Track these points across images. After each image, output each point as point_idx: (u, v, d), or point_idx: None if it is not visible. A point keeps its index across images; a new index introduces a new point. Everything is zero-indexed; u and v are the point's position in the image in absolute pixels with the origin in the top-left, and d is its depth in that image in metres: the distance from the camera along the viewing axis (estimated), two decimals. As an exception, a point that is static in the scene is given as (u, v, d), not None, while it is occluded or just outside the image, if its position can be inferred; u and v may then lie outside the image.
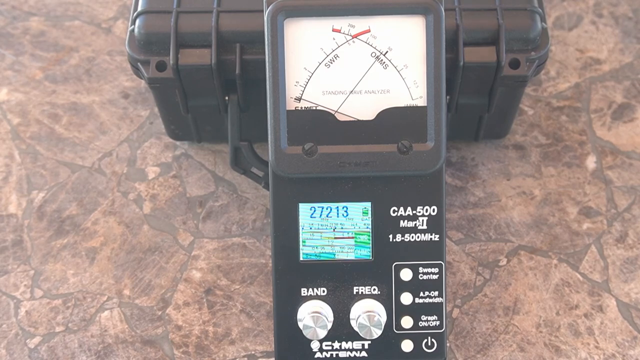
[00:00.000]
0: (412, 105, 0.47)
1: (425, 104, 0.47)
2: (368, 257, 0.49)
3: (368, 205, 0.48)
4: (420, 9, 0.46)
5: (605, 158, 0.63)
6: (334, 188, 0.48)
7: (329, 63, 0.47)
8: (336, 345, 0.50)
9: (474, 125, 0.61)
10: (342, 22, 0.47)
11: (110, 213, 0.61)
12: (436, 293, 0.49)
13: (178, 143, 0.65)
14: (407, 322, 0.49)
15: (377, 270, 0.49)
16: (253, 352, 0.55)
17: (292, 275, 0.49)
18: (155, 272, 0.58)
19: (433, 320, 0.49)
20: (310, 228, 0.48)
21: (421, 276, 0.49)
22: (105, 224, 0.60)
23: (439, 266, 0.49)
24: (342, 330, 0.49)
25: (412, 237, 0.49)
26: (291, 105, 0.47)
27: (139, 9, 0.53)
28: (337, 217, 0.48)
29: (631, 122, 0.65)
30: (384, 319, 0.49)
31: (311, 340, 0.49)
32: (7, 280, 0.58)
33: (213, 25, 0.52)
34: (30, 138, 0.65)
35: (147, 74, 0.52)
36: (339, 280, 0.49)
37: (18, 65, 0.69)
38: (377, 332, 0.48)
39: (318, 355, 0.50)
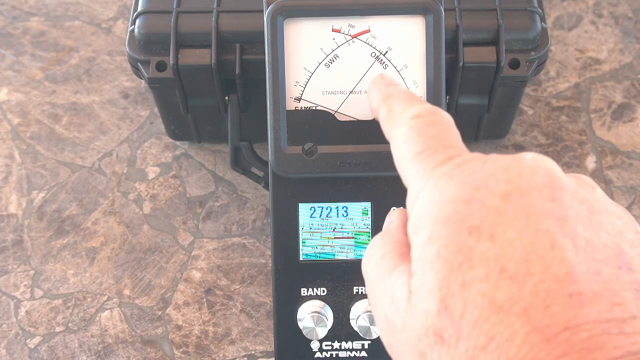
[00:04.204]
0: (412, 105, 0.47)
1: (425, 104, 0.47)
2: (368, 257, 0.49)
3: (368, 205, 0.48)
4: (420, 9, 0.46)
5: (605, 158, 0.63)
6: (333, 188, 0.48)
7: (328, 63, 0.47)
8: (336, 345, 0.50)
9: (474, 125, 0.61)
10: (341, 22, 0.47)
11: (110, 213, 0.61)
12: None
13: (178, 143, 0.65)
14: (407, 322, 0.49)
15: (377, 270, 0.49)
16: (253, 352, 0.55)
17: (292, 275, 0.49)
18: (155, 272, 0.58)
19: (433, 320, 0.49)
20: (310, 228, 0.48)
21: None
22: (105, 224, 0.60)
23: (439, 266, 0.49)
24: (342, 330, 0.49)
25: (412, 237, 0.49)
26: (291, 105, 0.47)
27: (139, 9, 0.53)
28: (337, 217, 0.48)
29: (631, 122, 0.65)
30: (383, 319, 0.49)
31: (311, 340, 0.49)
32: (7, 280, 0.58)
33: (213, 25, 0.52)
34: (30, 138, 0.65)
35: (147, 74, 0.52)
36: (339, 280, 0.49)
37: (18, 65, 0.69)
38: (377, 332, 0.48)
39: (318, 355, 0.50)
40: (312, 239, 0.49)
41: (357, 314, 0.48)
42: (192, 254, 0.59)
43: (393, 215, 0.35)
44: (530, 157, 0.29)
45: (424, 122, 0.32)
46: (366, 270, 0.33)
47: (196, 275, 0.58)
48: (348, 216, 0.48)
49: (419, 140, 0.32)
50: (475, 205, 0.28)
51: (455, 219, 0.28)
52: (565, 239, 0.27)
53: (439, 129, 0.32)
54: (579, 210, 0.28)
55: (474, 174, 0.29)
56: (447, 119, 0.33)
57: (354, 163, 0.47)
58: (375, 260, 0.32)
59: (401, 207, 0.36)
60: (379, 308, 0.31)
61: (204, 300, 0.57)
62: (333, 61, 0.47)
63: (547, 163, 0.29)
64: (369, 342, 0.49)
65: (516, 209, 0.27)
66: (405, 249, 0.32)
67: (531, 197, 0.28)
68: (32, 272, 0.59)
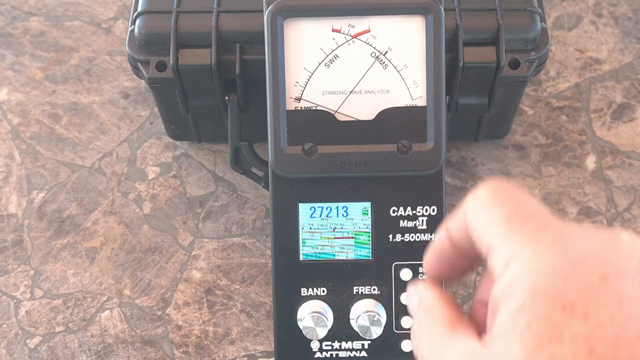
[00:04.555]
0: (411, 105, 0.47)
1: (425, 104, 0.47)
2: (368, 257, 0.49)
3: (368, 205, 0.48)
4: (419, 9, 0.46)
5: (605, 158, 0.63)
6: (333, 188, 0.48)
7: (328, 63, 0.47)
8: (336, 345, 0.50)
9: (474, 125, 0.61)
10: (341, 22, 0.47)
11: (110, 213, 0.61)
12: (436, 293, 0.49)
13: (178, 143, 0.65)
14: (407, 322, 0.49)
15: (377, 270, 0.49)
16: (253, 352, 0.55)
17: (292, 275, 0.49)
18: (155, 272, 0.58)
19: (433, 320, 0.49)
20: (310, 228, 0.48)
21: (421, 276, 0.49)
22: (105, 224, 0.60)
23: (439, 266, 0.49)
24: (342, 330, 0.49)
25: (412, 237, 0.49)
26: (291, 105, 0.47)
27: (139, 9, 0.53)
28: (337, 217, 0.48)
29: (631, 122, 0.65)
30: (384, 319, 0.49)
31: (311, 340, 0.49)
32: (7, 280, 0.58)
33: (213, 25, 0.52)
34: (30, 138, 0.65)
35: (147, 74, 0.52)
36: (339, 280, 0.49)
37: (18, 65, 0.69)
38: (377, 332, 0.48)
39: (318, 355, 0.50)
40: (312, 239, 0.49)
41: (357, 314, 0.48)
42: (192, 254, 0.59)
43: (422, 288, 0.36)
44: (627, 240, 0.30)
45: (505, 188, 0.33)
46: (419, 347, 0.34)
47: (196, 275, 0.58)
48: (348, 216, 0.48)
49: (508, 204, 0.32)
50: (573, 282, 0.29)
51: (552, 293, 0.29)
52: None
53: (520, 194, 0.33)
54: None
55: (575, 249, 0.30)
56: (520, 189, 0.34)
57: (354, 163, 0.47)
58: (426, 338, 0.34)
59: (423, 278, 0.37)
60: None
61: (204, 300, 0.57)
62: (333, 61, 0.47)
63: None
64: (369, 342, 0.49)
65: (612, 292, 0.28)
66: (453, 321, 0.34)
67: (625, 281, 0.29)
68: (32, 272, 0.59)
